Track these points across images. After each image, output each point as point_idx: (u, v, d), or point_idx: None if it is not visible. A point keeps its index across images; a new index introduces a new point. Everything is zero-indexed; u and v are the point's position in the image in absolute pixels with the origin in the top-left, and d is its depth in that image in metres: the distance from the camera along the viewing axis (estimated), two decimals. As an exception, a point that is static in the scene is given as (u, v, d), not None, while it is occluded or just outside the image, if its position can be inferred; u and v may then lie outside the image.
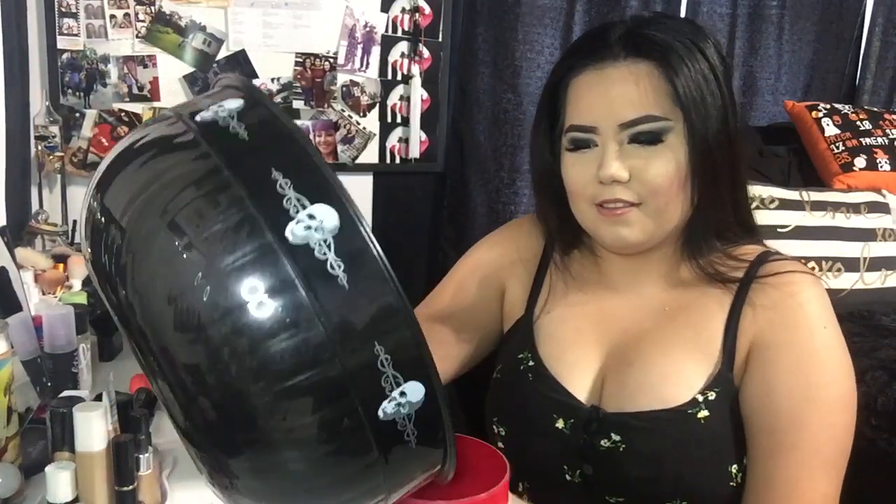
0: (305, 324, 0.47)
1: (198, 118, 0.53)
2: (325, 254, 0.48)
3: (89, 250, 0.55)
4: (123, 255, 0.51)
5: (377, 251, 0.49)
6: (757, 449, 0.81)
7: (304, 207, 0.48)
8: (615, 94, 0.80)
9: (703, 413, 0.81)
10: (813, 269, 1.94)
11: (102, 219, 0.53)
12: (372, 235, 0.49)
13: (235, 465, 0.51)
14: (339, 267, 0.48)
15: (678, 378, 0.83)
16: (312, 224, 0.48)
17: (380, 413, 0.49)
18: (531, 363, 0.91)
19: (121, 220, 0.51)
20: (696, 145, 0.80)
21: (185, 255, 0.48)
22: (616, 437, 0.82)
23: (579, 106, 0.83)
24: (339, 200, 0.49)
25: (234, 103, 0.54)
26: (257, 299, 0.47)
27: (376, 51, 2.18)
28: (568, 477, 0.87)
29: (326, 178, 0.50)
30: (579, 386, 0.88)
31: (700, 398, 0.81)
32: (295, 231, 0.48)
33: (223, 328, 0.47)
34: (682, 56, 0.80)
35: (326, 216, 0.49)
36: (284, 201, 0.48)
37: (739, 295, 0.84)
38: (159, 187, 0.51)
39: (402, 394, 0.50)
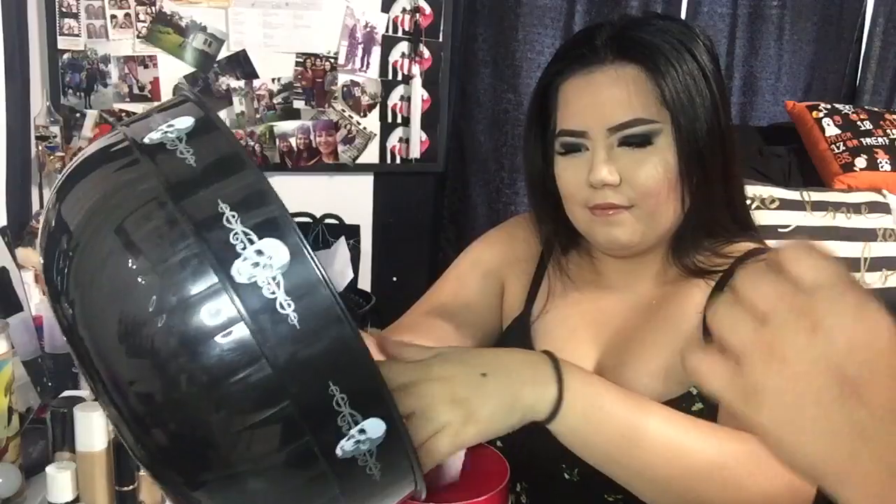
0: (255, 364, 0.45)
1: (146, 139, 0.50)
2: (273, 293, 0.45)
3: (42, 261, 0.52)
4: (74, 273, 0.48)
5: (329, 287, 0.47)
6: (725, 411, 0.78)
7: (252, 243, 0.45)
8: (603, 98, 0.81)
9: (698, 406, 0.81)
10: (813, 269, 1.94)
11: (57, 230, 0.51)
12: (323, 270, 0.47)
13: (197, 496, 0.49)
14: (290, 306, 0.45)
15: (666, 373, 0.83)
16: (260, 261, 0.45)
17: (338, 451, 0.47)
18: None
19: (72, 236, 0.49)
20: (685, 147, 0.80)
21: (139, 280, 0.46)
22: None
23: (568, 111, 0.84)
24: (290, 233, 0.46)
25: (186, 122, 0.51)
26: (200, 345, 0.45)
27: (377, 51, 2.18)
28: (566, 476, 0.87)
29: (275, 209, 0.47)
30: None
31: (694, 391, 0.82)
32: (241, 269, 0.45)
33: (176, 363, 0.45)
34: (669, 58, 0.80)
35: (276, 252, 0.46)
36: (231, 237, 0.45)
37: (719, 284, 0.84)
38: (109, 207, 0.48)
39: (362, 431, 0.47)
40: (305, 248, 0.46)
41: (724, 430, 0.68)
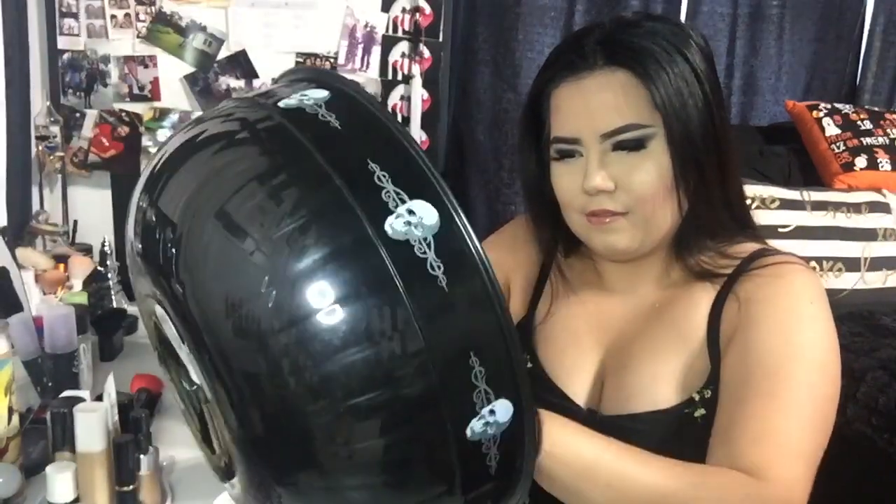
0: (401, 328, 0.43)
1: (281, 104, 0.49)
2: (425, 252, 0.44)
3: (140, 245, 0.50)
4: (186, 250, 0.46)
5: (480, 255, 0.45)
6: (729, 399, 0.77)
7: (404, 202, 0.44)
8: (594, 104, 0.80)
9: (701, 412, 0.81)
10: (814, 268, 1.94)
11: (160, 212, 0.49)
12: (475, 237, 0.45)
13: (283, 484, 0.47)
14: (440, 268, 0.44)
15: (669, 378, 0.83)
16: (412, 220, 0.44)
17: (468, 432, 0.45)
18: (530, 365, 0.91)
19: (182, 216, 0.47)
20: (679, 149, 0.80)
21: (260, 254, 0.44)
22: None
23: (560, 118, 0.83)
24: (440, 198, 0.45)
25: (319, 93, 0.50)
26: (342, 302, 0.43)
27: (377, 51, 2.18)
28: None
29: (427, 173, 0.46)
30: (577, 389, 0.88)
31: (696, 397, 0.81)
32: (395, 225, 0.44)
33: (299, 335, 0.43)
34: (660, 61, 0.79)
35: (427, 213, 0.45)
36: (383, 194, 0.44)
37: (725, 288, 0.83)
38: (231, 179, 0.46)
39: (492, 412, 0.45)
40: (457, 212, 0.45)
41: (677, 465, 0.69)
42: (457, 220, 0.45)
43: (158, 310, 0.51)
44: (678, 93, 0.79)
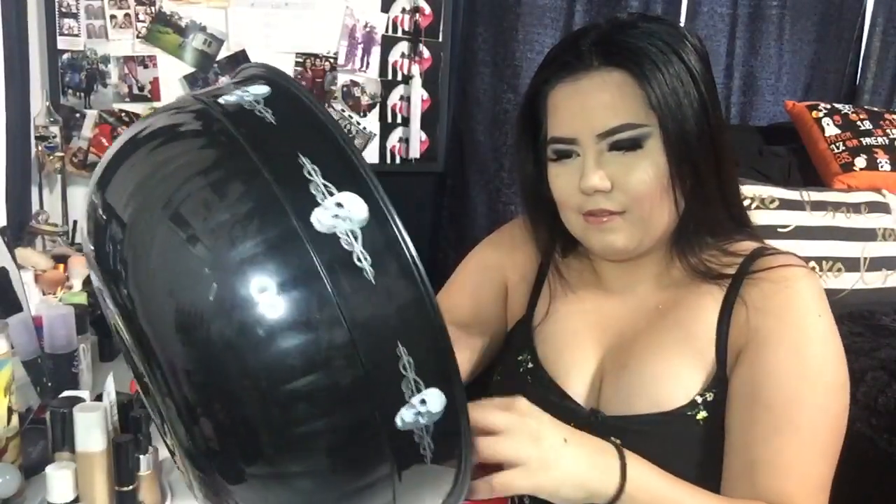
0: (327, 319, 0.44)
1: (221, 100, 0.51)
2: (351, 245, 0.45)
3: (92, 247, 0.52)
4: (127, 249, 0.48)
5: (407, 246, 0.46)
6: (743, 424, 0.79)
7: (332, 195, 0.46)
8: (591, 104, 0.81)
9: (703, 414, 0.81)
10: (813, 268, 1.94)
11: (106, 212, 0.50)
12: (403, 229, 0.46)
13: (233, 480, 0.48)
14: (366, 260, 0.45)
15: (672, 379, 0.83)
16: (340, 213, 0.45)
17: (397, 420, 0.46)
18: (530, 365, 0.91)
19: (124, 212, 0.49)
20: (674, 149, 0.80)
21: (190, 247, 0.45)
22: (615, 441, 0.82)
23: (557, 118, 0.84)
24: (371, 192, 0.46)
25: (260, 89, 0.51)
26: (269, 293, 0.44)
27: (376, 51, 2.18)
28: None
29: (357, 166, 0.47)
30: (578, 388, 0.88)
31: (699, 399, 0.81)
32: (321, 218, 0.45)
33: (229, 326, 0.44)
34: (656, 61, 0.79)
35: (355, 206, 0.46)
36: (311, 187, 0.46)
37: (731, 291, 0.84)
38: (167, 174, 0.48)
39: (423, 402, 0.47)
40: (386, 204, 0.47)
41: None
42: (386, 213, 0.47)
43: (109, 301, 0.52)
44: (674, 93, 0.79)
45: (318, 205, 0.45)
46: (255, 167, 0.46)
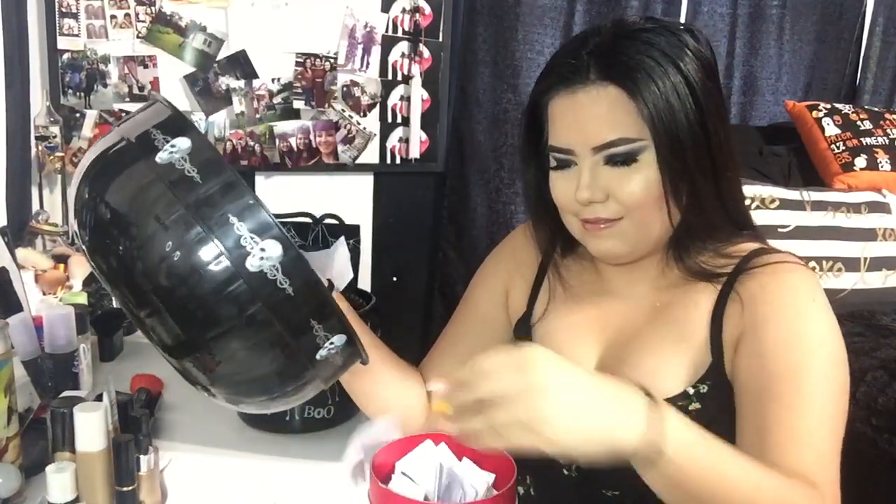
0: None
1: (157, 160, 0.67)
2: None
3: (85, 233, 0.70)
4: (123, 239, 0.67)
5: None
6: (754, 402, 0.78)
7: (257, 243, 0.65)
8: (586, 118, 0.82)
9: (695, 406, 0.82)
10: (813, 268, 1.94)
11: (94, 209, 0.69)
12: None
13: (206, 364, 0.69)
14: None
15: (666, 373, 0.84)
16: (264, 255, 0.65)
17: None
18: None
19: (116, 214, 0.69)
20: (667, 162, 0.81)
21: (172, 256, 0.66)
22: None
23: (556, 128, 0.85)
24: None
25: (185, 143, 0.68)
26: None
27: (376, 51, 2.18)
28: (566, 472, 0.90)
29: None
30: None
31: (691, 391, 0.83)
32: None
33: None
34: (651, 75, 0.79)
35: (272, 247, 0.66)
36: (241, 240, 0.65)
37: (726, 287, 0.85)
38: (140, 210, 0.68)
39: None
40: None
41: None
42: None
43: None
44: (668, 107, 0.80)
45: (249, 253, 0.65)
46: (200, 230, 0.67)
